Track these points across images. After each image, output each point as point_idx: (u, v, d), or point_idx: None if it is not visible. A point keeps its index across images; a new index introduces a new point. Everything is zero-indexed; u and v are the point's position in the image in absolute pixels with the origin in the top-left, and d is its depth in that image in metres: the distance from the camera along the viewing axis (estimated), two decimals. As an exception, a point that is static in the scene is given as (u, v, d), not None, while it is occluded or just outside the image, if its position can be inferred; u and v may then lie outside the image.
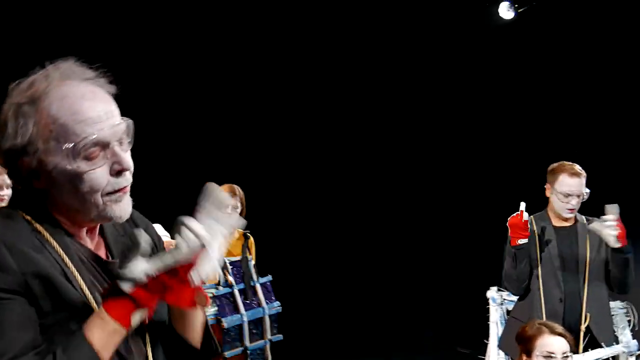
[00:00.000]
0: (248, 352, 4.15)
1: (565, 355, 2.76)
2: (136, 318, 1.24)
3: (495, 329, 3.71)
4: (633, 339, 3.62)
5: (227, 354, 4.06)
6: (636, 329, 3.90)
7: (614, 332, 3.62)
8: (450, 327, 7.15)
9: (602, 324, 3.52)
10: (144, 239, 1.26)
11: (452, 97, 7.59)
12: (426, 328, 7.41)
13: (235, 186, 4.34)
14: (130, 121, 1.32)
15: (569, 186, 3.52)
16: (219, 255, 1.27)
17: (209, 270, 1.26)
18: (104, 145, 1.27)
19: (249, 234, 4.43)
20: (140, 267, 1.21)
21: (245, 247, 4.35)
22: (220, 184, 4.18)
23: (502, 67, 7.04)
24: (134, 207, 1.41)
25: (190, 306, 1.29)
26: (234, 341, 4.11)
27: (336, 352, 7.29)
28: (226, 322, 4.01)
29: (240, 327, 4.11)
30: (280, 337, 4.36)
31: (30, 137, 1.25)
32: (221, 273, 4.14)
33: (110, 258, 1.39)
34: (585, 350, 3.46)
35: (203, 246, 1.22)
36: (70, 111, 1.25)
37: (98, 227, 1.40)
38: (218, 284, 4.12)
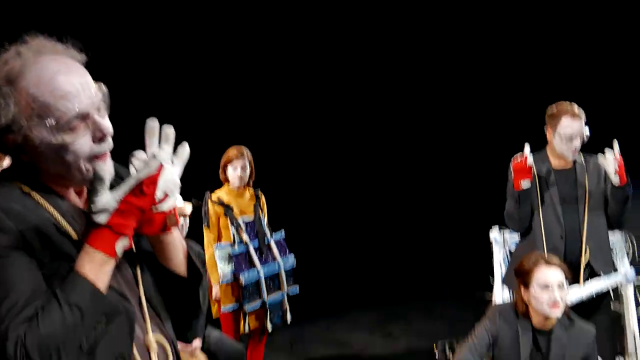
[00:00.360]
0: (267, 305, 4.34)
1: (561, 285, 2.89)
2: (120, 246, 1.32)
3: (499, 269, 3.82)
4: (631, 267, 3.71)
5: (247, 307, 4.25)
6: (637, 260, 4.02)
7: (613, 263, 3.72)
8: (467, 271, 7.31)
9: (601, 257, 3.62)
10: (107, 172, 1.32)
11: (453, 42, 7.66)
12: (444, 287, 7.49)
13: (243, 147, 4.45)
14: (105, 87, 1.40)
15: (571, 128, 3.54)
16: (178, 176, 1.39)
17: (170, 184, 1.37)
18: (84, 117, 1.35)
19: (260, 193, 4.56)
20: (108, 196, 1.30)
21: (257, 206, 4.47)
22: (228, 145, 4.33)
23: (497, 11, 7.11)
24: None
25: (163, 229, 1.41)
26: (253, 296, 4.29)
27: (353, 301, 7.46)
28: (243, 278, 4.19)
29: (257, 282, 4.29)
30: (296, 289, 4.55)
31: (13, 116, 1.32)
32: (236, 233, 4.31)
33: None
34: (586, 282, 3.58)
35: (160, 164, 1.32)
36: (49, 88, 1.32)
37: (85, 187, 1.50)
38: (233, 243, 4.29)
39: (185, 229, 3.93)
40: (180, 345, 3.45)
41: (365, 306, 7.18)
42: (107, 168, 1.35)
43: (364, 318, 6.81)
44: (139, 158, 1.38)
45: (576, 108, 3.61)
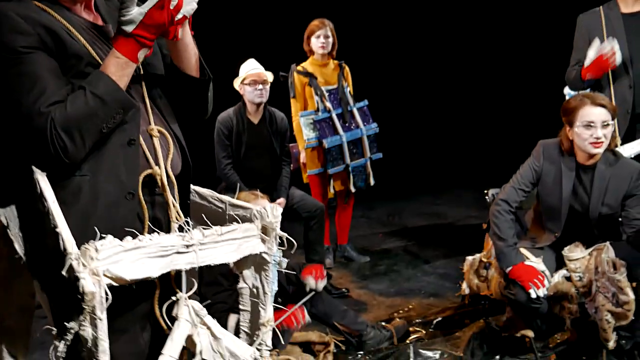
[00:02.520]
0: (350, 169, 4.60)
1: (605, 123, 2.84)
2: (141, 54, 1.61)
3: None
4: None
5: (330, 170, 4.53)
6: None
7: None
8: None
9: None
10: None
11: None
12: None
13: (325, 19, 4.62)
14: None
15: None
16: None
17: (188, 7, 1.62)
18: None
19: (343, 64, 4.73)
20: (136, 10, 1.58)
21: (340, 75, 4.66)
22: (311, 18, 4.52)
23: None
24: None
25: (173, 38, 1.67)
26: (336, 160, 4.56)
27: (453, 179, 7.61)
28: (327, 143, 4.46)
29: (340, 147, 4.55)
30: (379, 155, 4.74)
31: None
32: (319, 100, 4.55)
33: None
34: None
35: None
36: None
37: (93, 4, 1.79)
38: (317, 110, 4.55)
39: (266, 96, 4.25)
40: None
41: (465, 185, 7.29)
42: None
43: (463, 195, 6.95)
44: None
45: None
